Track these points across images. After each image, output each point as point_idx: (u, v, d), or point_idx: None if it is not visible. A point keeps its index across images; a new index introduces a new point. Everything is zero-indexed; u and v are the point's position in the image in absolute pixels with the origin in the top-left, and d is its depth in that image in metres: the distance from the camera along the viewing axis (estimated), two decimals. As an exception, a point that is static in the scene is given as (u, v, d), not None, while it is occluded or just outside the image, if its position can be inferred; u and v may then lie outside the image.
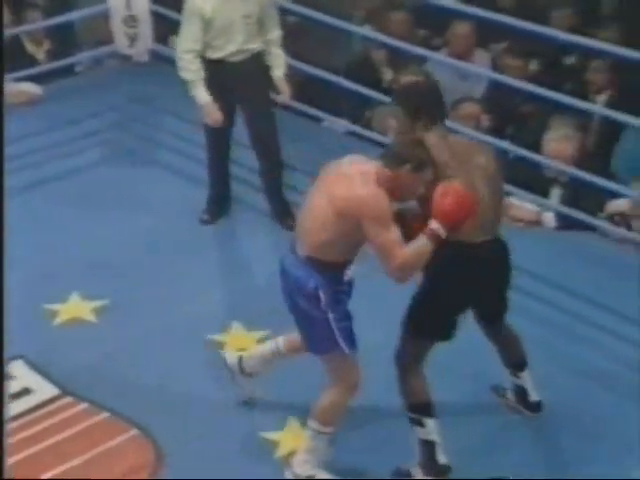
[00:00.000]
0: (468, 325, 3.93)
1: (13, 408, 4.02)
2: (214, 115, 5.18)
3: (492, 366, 4.14)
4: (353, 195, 3.44)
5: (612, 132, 5.86)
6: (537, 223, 5.49)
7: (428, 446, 3.81)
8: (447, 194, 3.43)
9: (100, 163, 6.10)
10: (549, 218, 5.50)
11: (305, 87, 6.33)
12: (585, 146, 5.74)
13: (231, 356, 4.22)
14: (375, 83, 6.37)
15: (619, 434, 4.07)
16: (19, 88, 6.58)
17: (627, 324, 4.67)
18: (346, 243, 3.54)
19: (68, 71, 7.05)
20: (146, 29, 6.83)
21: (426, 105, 3.67)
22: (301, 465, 3.84)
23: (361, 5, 7.40)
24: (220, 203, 5.56)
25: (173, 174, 5.98)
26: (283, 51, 5.32)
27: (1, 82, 2.32)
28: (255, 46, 5.19)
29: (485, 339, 4.07)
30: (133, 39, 6.87)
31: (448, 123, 3.94)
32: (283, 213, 5.45)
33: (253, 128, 5.34)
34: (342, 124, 6.42)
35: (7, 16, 6.62)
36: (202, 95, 5.16)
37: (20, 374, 4.35)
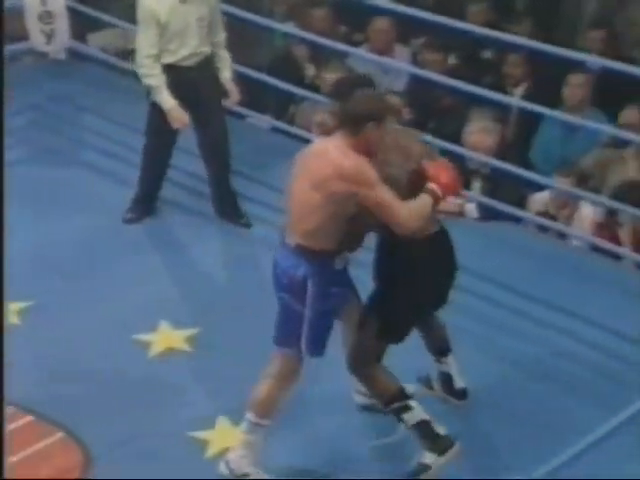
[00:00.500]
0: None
1: None
2: (182, 118, 5.13)
3: (420, 362, 4.18)
4: (339, 169, 3.46)
5: (530, 123, 5.98)
6: (460, 214, 5.54)
7: (424, 426, 3.77)
8: (442, 168, 3.63)
9: (20, 162, 6.00)
10: (471, 209, 5.56)
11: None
12: (505, 138, 5.83)
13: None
14: (298, 79, 6.40)
15: (548, 423, 4.12)
16: None
17: (556, 313, 4.75)
18: (336, 228, 3.55)
19: (-18, 68, 6.93)
20: (63, 25, 6.73)
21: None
22: (237, 461, 3.80)
23: (282, 2, 7.43)
24: (146, 202, 5.50)
25: (95, 173, 5.91)
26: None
27: (1, 82, 2.26)
28: (206, 49, 5.18)
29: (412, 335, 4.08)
30: (49, 36, 6.77)
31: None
32: (235, 214, 5.42)
33: (205, 132, 5.27)
34: (266, 120, 6.41)
35: None
36: (167, 100, 5.10)
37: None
